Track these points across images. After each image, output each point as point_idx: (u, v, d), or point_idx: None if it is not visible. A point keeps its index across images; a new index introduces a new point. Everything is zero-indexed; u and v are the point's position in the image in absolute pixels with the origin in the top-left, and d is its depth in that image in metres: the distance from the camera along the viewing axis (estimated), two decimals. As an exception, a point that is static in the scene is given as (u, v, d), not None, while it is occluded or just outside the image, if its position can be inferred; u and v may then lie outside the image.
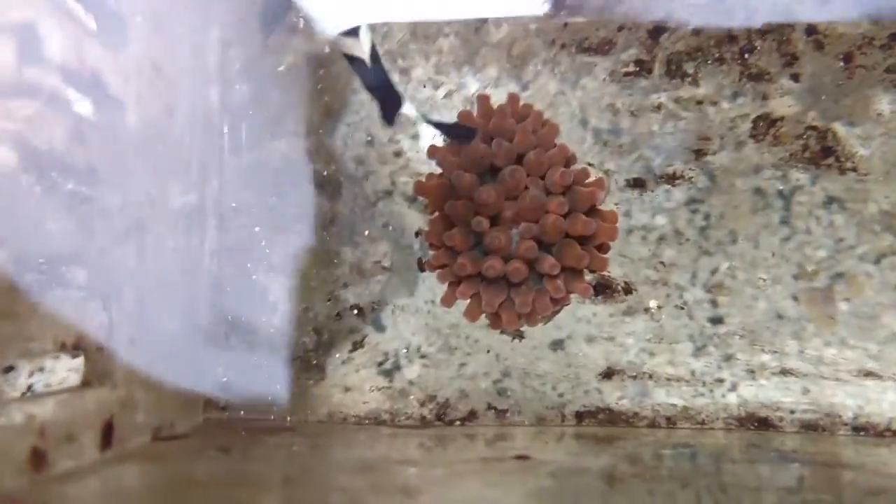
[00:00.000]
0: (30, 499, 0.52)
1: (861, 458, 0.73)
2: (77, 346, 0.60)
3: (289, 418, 0.84)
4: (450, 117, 0.83)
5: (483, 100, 0.78)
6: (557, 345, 0.83)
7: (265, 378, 0.84)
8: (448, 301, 0.76)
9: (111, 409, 0.65)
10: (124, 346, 0.68)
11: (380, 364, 0.85)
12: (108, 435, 0.64)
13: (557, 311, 0.80)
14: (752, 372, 0.81)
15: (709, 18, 0.83)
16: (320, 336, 0.85)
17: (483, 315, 0.76)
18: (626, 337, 0.83)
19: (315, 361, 0.85)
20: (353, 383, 0.85)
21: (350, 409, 0.84)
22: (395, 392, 0.84)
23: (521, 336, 0.83)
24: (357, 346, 0.85)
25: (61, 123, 0.59)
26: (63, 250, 0.59)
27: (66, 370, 0.58)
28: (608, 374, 0.83)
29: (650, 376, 0.82)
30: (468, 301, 0.76)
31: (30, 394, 0.54)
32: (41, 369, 0.55)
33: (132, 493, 0.60)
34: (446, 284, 0.77)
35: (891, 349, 0.80)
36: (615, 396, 0.82)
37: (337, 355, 0.85)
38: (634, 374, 0.82)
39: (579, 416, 0.83)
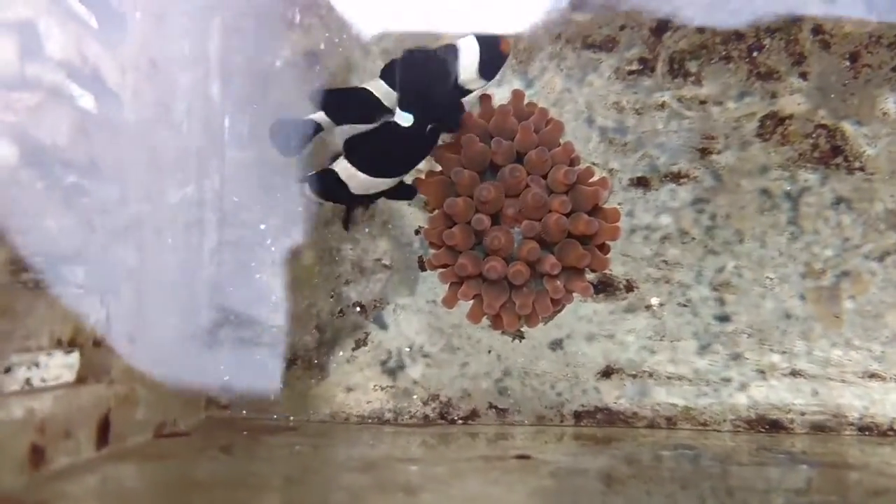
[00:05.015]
0: (28, 497, 0.51)
1: (866, 457, 0.73)
2: (73, 343, 0.60)
3: (291, 418, 0.83)
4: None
5: (486, 99, 0.77)
6: (556, 344, 0.83)
7: (266, 377, 0.84)
8: (449, 302, 0.75)
9: (107, 405, 0.64)
10: (122, 342, 0.68)
11: (383, 363, 0.84)
12: (104, 432, 0.63)
13: (559, 311, 0.79)
14: (763, 372, 0.81)
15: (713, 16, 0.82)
16: (323, 334, 0.85)
17: (485, 316, 0.76)
18: (626, 334, 0.82)
19: (317, 360, 0.85)
20: (357, 382, 0.84)
21: (353, 408, 0.84)
22: (398, 391, 0.84)
23: (521, 337, 0.83)
24: (360, 343, 0.85)
25: (61, 116, 0.59)
26: (62, 246, 0.59)
27: (60, 366, 0.58)
28: (607, 373, 0.82)
29: (650, 374, 0.82)
30: (470, 303, 0.75)
31: (27, 388, 0.54)
32: (36, 364, 0.55)
33: (132, 491, 0.60)
34: (447, 285, 0.76)
35: (893, 350, 0.80)
36: (613, 396, 0.82)
37: (340, 353, 0.85)
38: (634, 372, 0.82)
39: (577, 416, 0.82)
